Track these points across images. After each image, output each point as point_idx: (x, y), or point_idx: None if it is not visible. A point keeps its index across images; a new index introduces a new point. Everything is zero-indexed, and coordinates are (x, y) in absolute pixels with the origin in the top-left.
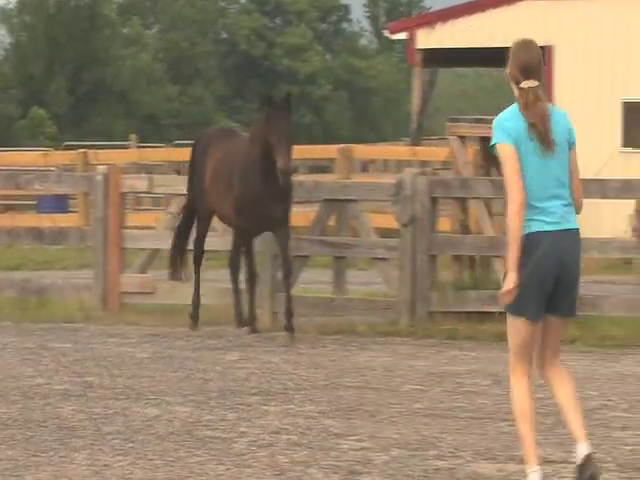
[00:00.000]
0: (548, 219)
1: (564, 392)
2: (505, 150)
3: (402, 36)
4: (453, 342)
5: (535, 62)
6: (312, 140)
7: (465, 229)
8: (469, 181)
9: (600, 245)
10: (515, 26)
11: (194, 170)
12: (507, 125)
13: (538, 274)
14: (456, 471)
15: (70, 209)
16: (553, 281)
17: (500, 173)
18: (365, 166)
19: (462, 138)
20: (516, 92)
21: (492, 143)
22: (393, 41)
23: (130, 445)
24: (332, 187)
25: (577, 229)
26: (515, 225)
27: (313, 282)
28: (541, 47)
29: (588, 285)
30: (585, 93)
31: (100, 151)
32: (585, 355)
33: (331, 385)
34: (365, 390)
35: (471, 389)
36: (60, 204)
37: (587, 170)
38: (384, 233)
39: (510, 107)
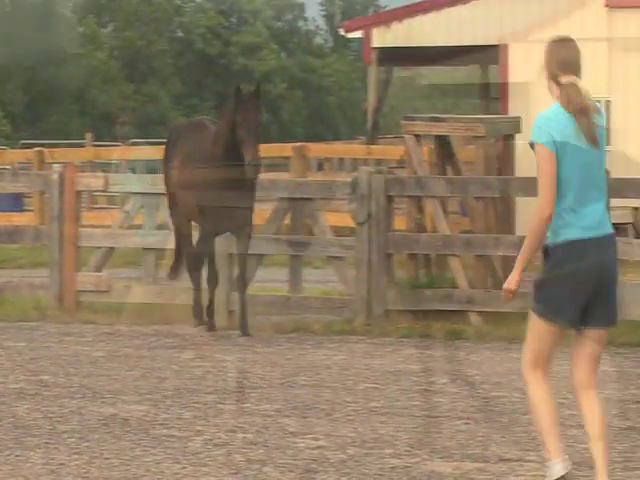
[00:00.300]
0: (587, 224)
1: (593, 420)
2: (543, 152)
3: (357, 35)
4: (409, 340)
5: (574, 58)
6: (268, 139)
7: (420, 228)
8: (424, 180)
9: None
10: (471, 25)
11: (166, 166)
12: (549, 124)
13: (576, 281)
14: (412, 469)
15: (26, 208)
16: (591, 289)
17: (455, 172)
18: (321, 165)
19: (417, 137)
20: (556, 91)
21: (531, 141)
22: (348, 40)
23: (86, 444)
24: (288, 185)
25: (613, 234)
26: (536, 235)
27: (269, 280)
28: (495, 46)
29: None
30: (540, 93)
31: (56, 149)
32: None
33: (287, 384)
34: (321, 388)
35: (427, 387)
36: (16, 203)
37: None
38: (340, 231)
39: (552, 106)
